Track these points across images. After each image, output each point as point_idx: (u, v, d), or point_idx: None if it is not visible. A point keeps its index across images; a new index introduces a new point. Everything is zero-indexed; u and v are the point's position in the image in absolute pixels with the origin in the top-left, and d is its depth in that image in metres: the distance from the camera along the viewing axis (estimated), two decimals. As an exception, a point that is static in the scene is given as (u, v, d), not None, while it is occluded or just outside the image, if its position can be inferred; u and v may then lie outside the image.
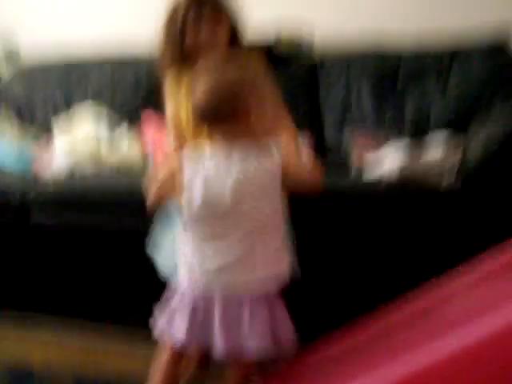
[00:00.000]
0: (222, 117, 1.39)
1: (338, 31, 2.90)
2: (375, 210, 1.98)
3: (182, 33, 1.74)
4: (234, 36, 1.79)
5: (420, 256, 1.95)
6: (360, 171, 2.22)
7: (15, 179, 2.44)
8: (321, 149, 2.64)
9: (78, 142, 2.60)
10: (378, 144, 2.26)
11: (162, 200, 1.52)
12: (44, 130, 3.04)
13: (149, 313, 1.55)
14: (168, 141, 1.82)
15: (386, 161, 2.11)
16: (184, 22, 1.73)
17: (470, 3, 2.76)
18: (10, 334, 2.25)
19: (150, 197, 1.48)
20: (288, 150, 1.46)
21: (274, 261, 1.44)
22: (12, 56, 3.49)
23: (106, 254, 2.24)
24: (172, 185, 1.44)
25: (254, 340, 1.39)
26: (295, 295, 1.87)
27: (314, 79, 2.79)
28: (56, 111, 3.06)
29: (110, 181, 2.30)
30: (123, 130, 2.69)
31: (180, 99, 1.77)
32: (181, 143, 1.74)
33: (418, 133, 2.48)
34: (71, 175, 2.39)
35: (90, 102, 2.90)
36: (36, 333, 2.22)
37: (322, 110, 2.75)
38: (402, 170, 1.97)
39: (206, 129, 1.47)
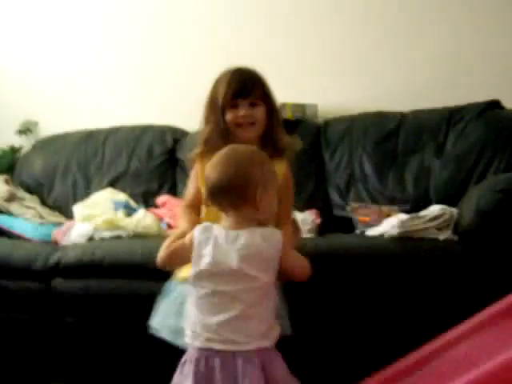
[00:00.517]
0: (231, 201, 1.58)
1: (340, 98, 3.07)
2: (377, 264, 2.05)
3: (223, 109, 1.82)
4: (271, 115, 1.86)
5: (422, 307, 2.02)
6: (363, 230, 2.32)
7: (36, 245, 2.55)
8: (326, 208, 2.75)
9: (96, 209, 2.72)
10: (380, 217, 2.37)
11: (171, 259, 1.68)
12: (62, 201, 3.19)
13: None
14: (180, 212, 1.91)
15: (387, 221, 2.23)
16: (225, 98, 1.81)
17: (462, 69, 2.93)
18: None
19: (160, 254, 1.67)
20: (287, 242, 1.62)
21: (268, 321, 1.57)
22: (30, 128, 3.65)
23: (126, 317, 2.29)
24: (182, 246, 1.63)
25: None
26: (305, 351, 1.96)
27: (318, 141, 2.91)
28: (73, 183, 3.21)
29: (127, 245, 2.40)
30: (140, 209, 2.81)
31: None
32: (195, 217, 1.84)
33: (419, 199, 2.59)
34: (90, 240, 2.49)
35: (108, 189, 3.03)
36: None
37: (327, 171, 2.86)
38: (403, 224, 2.06)
39: (216, 209, 1.64)
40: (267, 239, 1.56)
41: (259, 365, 1.51)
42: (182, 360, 1.59)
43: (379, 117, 2.88)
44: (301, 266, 1.64)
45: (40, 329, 2.39)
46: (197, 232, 1.60)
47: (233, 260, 1.53)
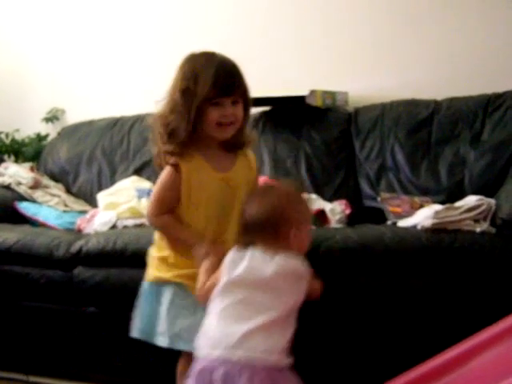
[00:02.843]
0: (263, 237, 1.58)
1: (371, 86, 2.98)
2: (409, 256, 1.96)
3: (202, 105, 1.67)
4: (246, 111, 1.77)
5: (456, 303, 1.92)
6: (395, 221, 2.23)
7: (59, 233, 2.51)
8: (356, 198, 2.67)
9: (119, 197, 2.68)
10: (412, 209, 2.28)
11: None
12: (87, 189, 3.17)
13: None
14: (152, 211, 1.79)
15: (420, 212, 2.13)
16: (208, 95, 1.66)
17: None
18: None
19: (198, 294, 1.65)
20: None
21: (289, 340, 1.53)
22: (57, 116, 3.63)
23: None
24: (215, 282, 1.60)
25: None
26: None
27: (348, 130, 2.83)
28: (99, 170, 3.19)
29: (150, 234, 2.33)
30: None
31: (186, 175, 1.72)
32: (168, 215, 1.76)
33: (453, 190, 2.50)
34: (113, 229, 2.46)
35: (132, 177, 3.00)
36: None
37: (357, 160, 2.78)
38: (437, 215, 1.96)
39: (250, 239, 1.61)
40: (301, 261, 1.57)
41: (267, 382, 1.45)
42: (191, 370, 1.54)
43: (412, 104, 2.78)
44: (318, 288, 1.67)
45: (61, 318, 2.36)
46: (230, 254, 1.61)
47: (268, 270, 1.53)
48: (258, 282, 1.53)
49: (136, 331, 1.85)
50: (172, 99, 1.71)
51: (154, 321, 1.79)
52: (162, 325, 1.76)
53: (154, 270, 1.82)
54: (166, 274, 1.77)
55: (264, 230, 1.58)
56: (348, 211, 2.47)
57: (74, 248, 2.33)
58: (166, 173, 1.75)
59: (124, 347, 2.30)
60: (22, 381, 2.42)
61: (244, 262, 1.56)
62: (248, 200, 1.64)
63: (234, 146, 1.80)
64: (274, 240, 1.57)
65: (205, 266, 1.66)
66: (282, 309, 1.51)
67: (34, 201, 2.94)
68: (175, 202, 1.74)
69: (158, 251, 1.83)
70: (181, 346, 1.73)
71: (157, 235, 1.84)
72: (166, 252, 1.78)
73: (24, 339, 2.46)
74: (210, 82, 1.66)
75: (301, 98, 2.73)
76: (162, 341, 1.76)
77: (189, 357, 1.65)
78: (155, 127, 1.75)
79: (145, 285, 1.85)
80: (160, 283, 1.79)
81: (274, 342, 1.48)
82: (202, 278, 1.64)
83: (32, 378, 2.42)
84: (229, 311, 1.52)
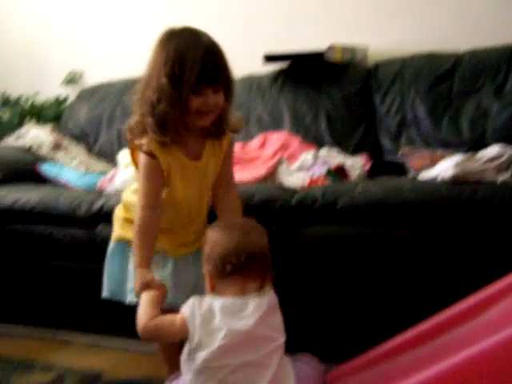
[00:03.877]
0: (261, 269, 1.44)
1: (391, 39, 2.93)
2: (428, 209, 1.93)
3: (188, 93, 1.58)
4: (227, 99, 1.67)
5: (479, 256, 1.90)
6: (416, 174, 2.21)
7: (81, 193, 2.53)
8: (377, 153, 2.65)
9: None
10: (433, 162, 2.25)
11: (155, 336, 1.53)
12: (108, 149, 3.18)
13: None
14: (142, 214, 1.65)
15: (441, 163, 2.11)
16: (193, 83, 1.57)
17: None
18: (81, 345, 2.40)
19: (142, 328, 1.47)
20: None
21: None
22: (76, 78, 3.64)
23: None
24: (170, 326, 1.43)
25: None
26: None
27: (368, 84, 2.80)
28: (119, 131, 3.19)
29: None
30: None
31: (170, 169, 1.66)
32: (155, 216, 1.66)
33: (475, 143, 2.46)
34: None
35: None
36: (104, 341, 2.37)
37: (378, 115, 2.75)
38: (457, 166, 1.94)
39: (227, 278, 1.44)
40: (273, 297, 1.46)
41: None
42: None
43: (433, 58, 2.73)
44: None
45: (85, 276, 2.38)
46: (189, 309, 1.39)
47: (248, 322, 1.37)
48: (245, 342, 1.36)
49: (106, 291, 1.84)
50: (159, 86, 1.59)
51: (122, 279, 1.77)
52: (130, 282, 1.70)
53: (119, 230, 1.82)
54: (131, 234, 1.68)
55: (263, 262, 1.45)
56: (368, 166, 2.46)
57: (96, 206, 2.34)
58: (144, 164, 1.66)
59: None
60: (49, 338, 2.47)
61: (218, 320, 1.36)
62: (242, 231, 1.46)
63: (213, 133, 1.73)
64: (266, 275, 1.44)
65: (147, 298, 1.51)
66: (277, 357, 1.39)
67: (55, 162, 2.96)
68: (161, 189, 1.67)
69: (125, 212, 1.83)
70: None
71: (125, 196, 1.85)
72: (133, 214, 1.70)
73: (50, 297, 2.50)
74: (197, 69, 1.56)
75: (319, 55, 2.70)
76: (131, 298, 1.71)
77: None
78: (138, 111, 1.68)
79: (111, 245, 1.84)
80: (126, 241, 1.78)
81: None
82: (149, 310, 1.47)
83: (59, 334, 2.47)
84: (233, 380, 1.35)
